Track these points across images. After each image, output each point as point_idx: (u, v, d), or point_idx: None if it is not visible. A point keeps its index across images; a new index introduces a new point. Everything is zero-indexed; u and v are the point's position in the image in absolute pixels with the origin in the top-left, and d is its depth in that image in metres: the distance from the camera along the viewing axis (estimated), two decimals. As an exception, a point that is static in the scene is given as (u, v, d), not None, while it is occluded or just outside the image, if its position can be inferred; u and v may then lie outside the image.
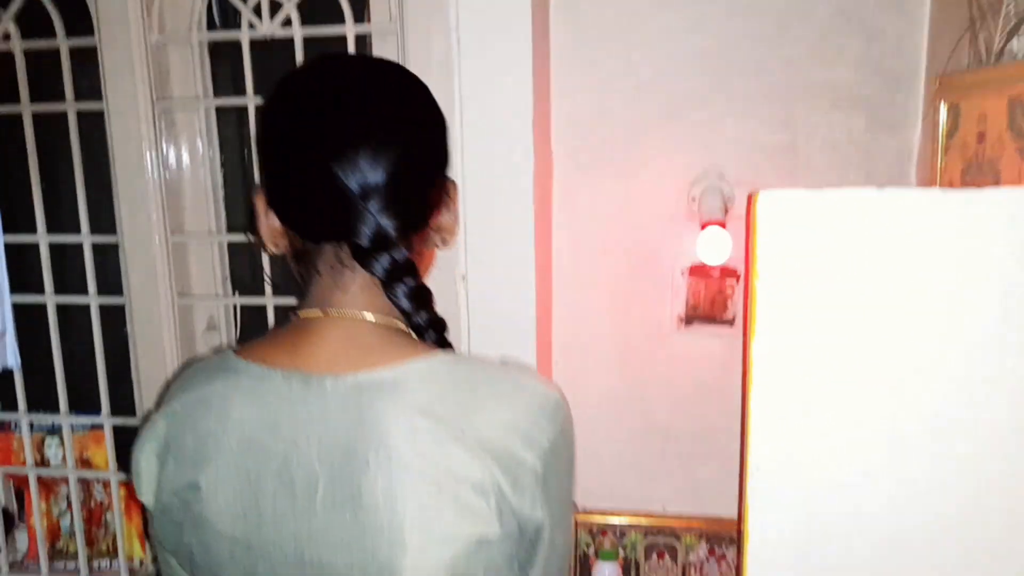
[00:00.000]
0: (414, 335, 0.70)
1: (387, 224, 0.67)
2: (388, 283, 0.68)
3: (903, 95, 1.20)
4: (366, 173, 0.66)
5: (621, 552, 1.38)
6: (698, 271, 1.29)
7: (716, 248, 1.19)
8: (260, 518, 0.64)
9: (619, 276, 1.31)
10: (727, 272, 1.28)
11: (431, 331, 0.70)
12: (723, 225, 1.20)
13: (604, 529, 1.37)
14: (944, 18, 1.11)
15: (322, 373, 0.65)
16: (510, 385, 0.65)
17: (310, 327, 0.68)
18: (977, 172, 0.96)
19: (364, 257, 0.68)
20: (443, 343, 0.71)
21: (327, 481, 0.63)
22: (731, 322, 1.29)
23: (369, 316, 0.68)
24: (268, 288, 1.27)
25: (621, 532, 1.38)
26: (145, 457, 0.70)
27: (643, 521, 1.37)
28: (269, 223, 0.71)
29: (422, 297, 0.69)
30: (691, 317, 1.30)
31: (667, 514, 1.36)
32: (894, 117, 1.20)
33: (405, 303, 0.69)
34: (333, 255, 0.69)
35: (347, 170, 0.66)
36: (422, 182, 0.70)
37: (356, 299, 0.68)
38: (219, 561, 0.67)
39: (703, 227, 1.23)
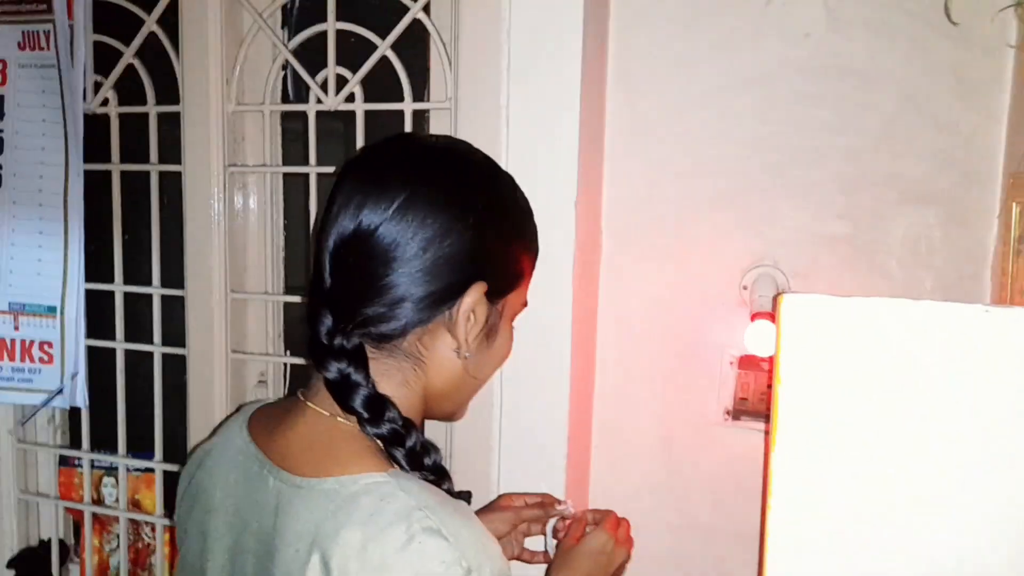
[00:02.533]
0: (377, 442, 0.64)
1: (339, 310, 0.62)
2: (330, 382, 0.63)
3: (977, 192, 1.12)
4: (345, 238, 0.62)
5: (653, 656, 1.29)
6: (748, 362, 1.23)
7: (765, 340, 1.14)
8: None
9: (665, 364, 1.27)
10: (779, 366, 1.22)
11: (389, 446, 0.64)
12: (772, 317, 1.14)
13: (636, 628, 1.30)
14: (1020, 113, 1.04)
15: (274, 464, 0.64)
16: (405, 537, 0.56)
17: (289, 410, 0.67)
18: (1046, 281, 0.88)
19: (315, 343, 0.64)
20: (415, 461, 0.64)
21: (250, 574, 0.63)
22: (782, 419, 1.22)
23: (334, 416, 0.64)
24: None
25: (655, 634, 1.29)
26: (180, 483, 0.75)
27: (678, 625, 1.28)
28: None
29: (373, 407, 0.63)
30: (739, 411, 1.24)
31: (704, 620, 1.28)
32: (967, 215, 1.13)
33: (352, 410, 0.63)
34: None
35: (336, 225, 0.63)
36: (424, 272, 0.63)
37: (325, 391, 0.65)
38: None
39: (753, 318, 1.18)
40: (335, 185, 0.66)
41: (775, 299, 0.73)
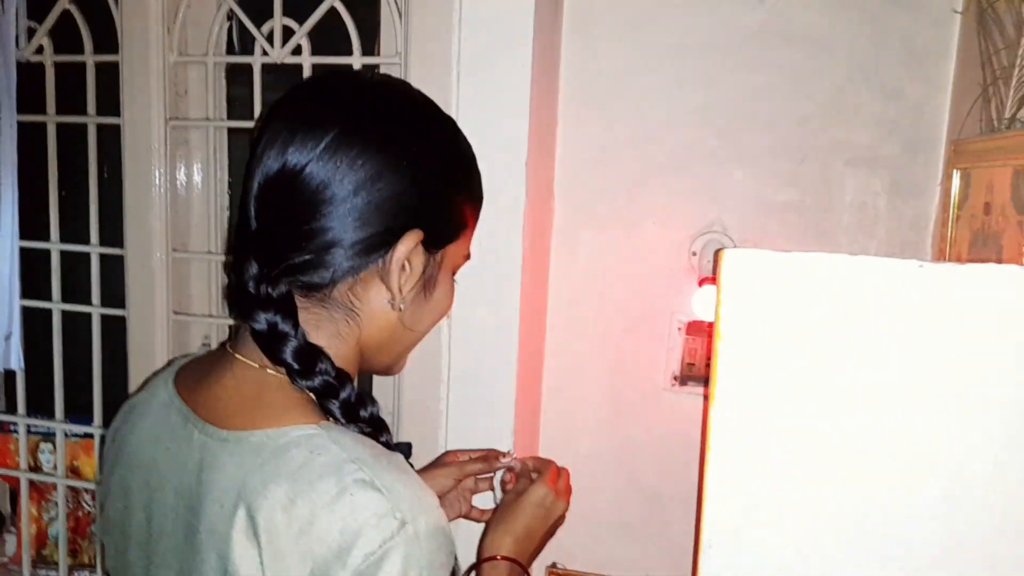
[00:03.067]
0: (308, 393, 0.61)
1: (265, 256, 0.58)
2: (258, 333, 0.59)
3: (922, 159, 1.14)
4: (273, 178, 0.58)
5: (598, 617, 1.31)
6: (695, 328, 1.24)
7: (711, 305, 1.14)
8: (127, 541, 0.65)
9: (614, 329, 1.27)
10: (726, 331, 1.22)
11: (321, 400, 0.61)
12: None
13: (582, 591, 1.31)
14: (964, 82, 1.05)
15: (199, 418, 0.61)
16: (336, 490, 0.54)
17: (216, 362, 0.65)
18: (983, 246, 0.90)
19: (240, 292, 0.60)
20: (351, 413, 0.62)
21: (171, 531, 0.61)
22: (728, 384, 1.23)
23: (263, 367, 0.61)
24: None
25: (600, 596, 1.31)
26: (105, 443, 0.72)
27: (624, 586, 1.30)
28: None
29: (304, 358, 0.59)
30: (686, 376, 1.25)
31: (649, 582, 1.29)
32: (911, 182, 1.15)
33: (282, 361, 0.59)
34: None
35: (261, 166, 0.59)
36: (355, 216, 0.59)
37: (253, 342, 0.61)
38: (113, 565, 0.68)
39: (701, 283, 1.19)
40: (263, 123, 0.61)
41: (716, 255, 0.72)
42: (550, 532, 0.89)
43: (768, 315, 0.73)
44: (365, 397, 0.63)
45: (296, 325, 0.60)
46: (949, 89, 1.11)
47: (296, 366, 0.59)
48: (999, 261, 0.85)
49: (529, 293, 1.15)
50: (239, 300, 0.60)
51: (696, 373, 1.24)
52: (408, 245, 0.61)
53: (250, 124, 1.23)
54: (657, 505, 1.28)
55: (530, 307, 1.17)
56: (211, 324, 1.33)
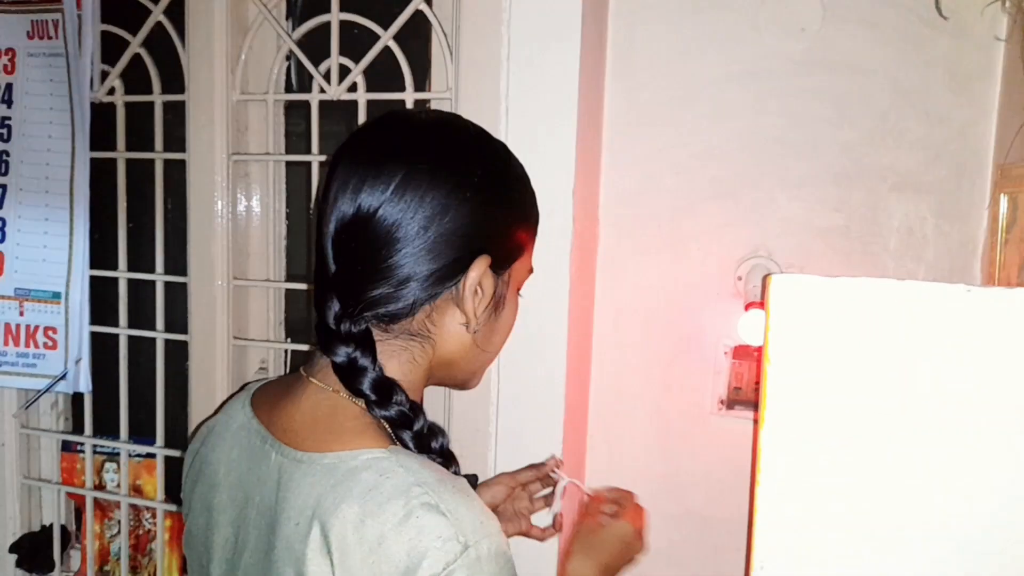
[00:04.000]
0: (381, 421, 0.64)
1: (345, 294, 0.63)
2: (338, 366, 0.63)
3: (968, 184, 1.14)
4: (347, 222, 0.62)
5: (646, 642, 1.31)
6: (742, 352, 1.24)
7: (758, 329, 1.16)
8: (210, 554, 0.68)
9: (661, 354, 1.29)
10: (773, 356, 1.23)
11: (396, 429, 0.64)
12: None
13: (630, 615, 1.31)
14: (1010, 106, 1.06)
15: (276, 438, 0.65)
16: (403, 513, 0.56)
17: (292, 386, 0.68)
18: (1033, 269, 0.90)
19: (322, 327, 0.64)
20: (422, 444, 0.65)
21: (252, 547, 0.64)
22: (775, 408, 1.24)
23: (339, 393, 0.64)
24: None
25: (648, 620, 1.31)
26: (185, 463, 0.76)
27: (672, 611, 1.30)
28: None
29: (381, 390, 0.63)
30: (733, 400, 1.25)
31: (698, 607, 1.29)
32: (958, 206, 1.15)
33: (360, 393, 0.63)
34: None
35: (335, 210, 0.63)
36: (427, 250, 0.63)
37: (330, 369, 0.65)
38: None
39: (747, 307, 1.20)
40: (330, 168, 0.65)
41: (764, 281, 0.74)
42: (624, 568, 0.89)
43: (816, 340, 0.74)
44: (436, 429, 0.66)
45: (375, 359, 0.64)
46: (995, 114, 1.12)
47: (374, 397, 0.63)
48: (1050, 285, 0.85)
49: (576, 318, 1.18)
50: (320, 336, 0.64)
51: (743, 397, 1.25)
52: (479, 270, 0.65)
53: (307, 158, 1.28)
54: (706, 530, 1.28)
55: (577, 332, 1.20)
56: (268, 348, 1.38)
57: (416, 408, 0.65)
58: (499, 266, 0.68)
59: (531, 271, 0.75)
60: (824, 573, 0.74)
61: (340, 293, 0.63)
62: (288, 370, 1.42)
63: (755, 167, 1.22)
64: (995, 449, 0.68)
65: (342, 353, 0.63)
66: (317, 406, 0.65)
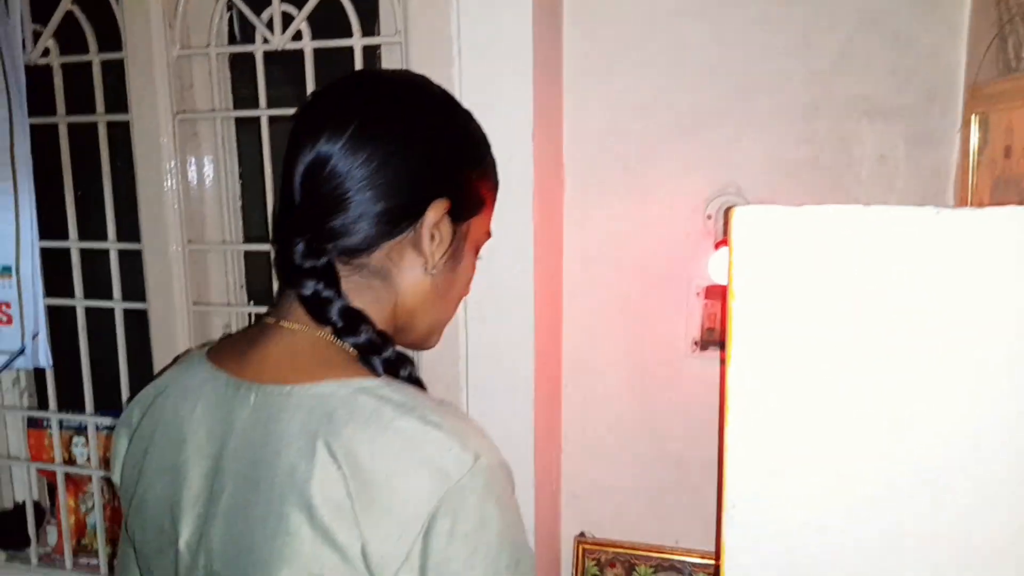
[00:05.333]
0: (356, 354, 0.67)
1: (308, 229, 0.65)
2: (305, 298, 0.66)
3: (939, 108, 1.11)
4: (310, 165, 0.65)
5: (629, 585, 1.31)
6: (714, 292, 1.22)
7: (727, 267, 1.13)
8: (179, 515, 0.65)
9: (632, 296, 1.26)
10: (745, 294, 1.21)
11: (367, 355, 0.66)
12: (738, 244, 1.13)
13: (612, 561, 1.31)
14: (980, 25, 1.02)
15: (252, 382, 0.65)
16: (411, 431, 0.59)
17: (261, 334, 0.69)
18: (1004, 190, 0.87)
19: (288, 265, 0.67)
20: (392, 370, 0.67)
21: (231, 491, 0.63)
22: (749, 347, 1.22)
23: (310, 330, 0.66)
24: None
25: (631, 564, 1.31)
26: (119, 437, 0.75)
27: (654, 554, 1.30)
28: None
29: (348, 317, 0.66)
30: (706, 341, 1.24)
31: (679, 548, 1.29)
32: (929, 131, 1.11)
33: (328, 321, 0.66)
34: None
35: (299, 158, 0.66)
36: (377, 192, 0.66)
37: (299, 309, 0.67)
38: (150, 551, 0.70)
39: (717, 246, 1.17)
40: (297, 119, 0.69)
41: (726, 213, 0.71)
42: None
43: (782, 272, 0.72)
44: (404, 357, 0.69)
45: (339, 290, 0.66)
46: (964, 34, 1.08)
47: (341, 323, 0.65)
48: (1021, 203, 0.82)
49: (543, 266, 1.15)
50: (286, 272, 0.67)
51: (716, 338, 1.23)
52: (437, 212, 0.68)
53: (255, 113, 1.23)
54: (683, 471, 1.28)
55: (545, 280, 1.17)
56: (231, 312, 1.35)
57: (385, 336, 0.67)
58: (457, 216, 0.71)
59: (489, 235, 0.78)
60: (796, 508, 0.73)
61: (303, 231, 0.66)
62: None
63: (721, 102, 1.18)
64: (967, 373, 0.67)
65: (308, 286, 0.65)
66: (294, 344, 0.66)
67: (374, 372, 0.65)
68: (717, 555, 0.78)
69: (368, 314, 0.67)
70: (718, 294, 1.22)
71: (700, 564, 1.28)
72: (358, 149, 0.65)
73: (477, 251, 0.77)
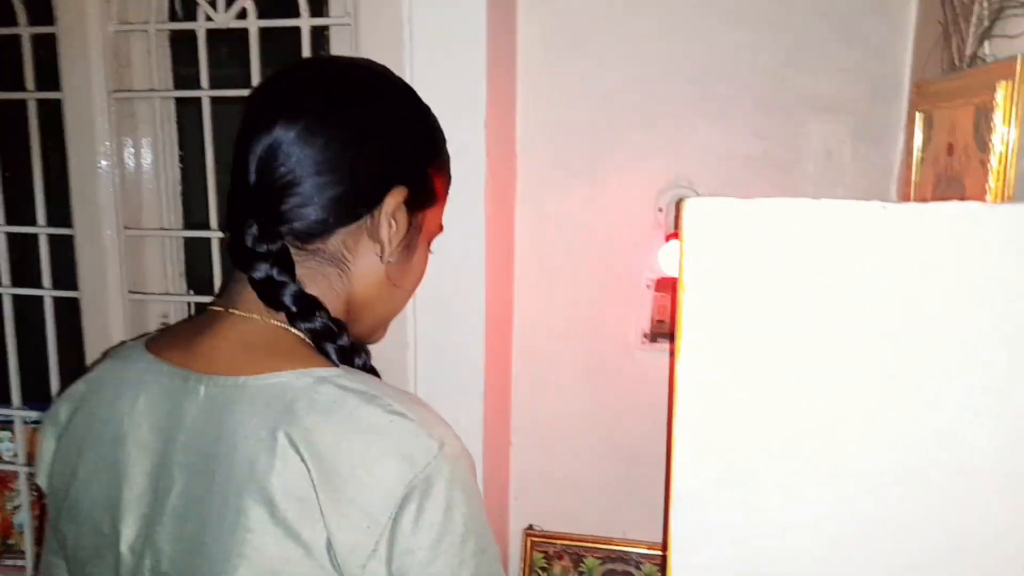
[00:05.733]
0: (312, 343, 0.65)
1: (261, 212, 0.63)
2: (257, 282, 0.63)
3: (885, 105, 1.13)
4: (265, 146, 0.63)
5: (577, 578, 1.31)
6: (664, 284, 1.22)
7: (677, 259, 1.13)
8: (119, 516, 0.62)
9: (584, 288, 1.25)
10: (695, 287, 1.21)
11: (322, 341, 0.64)
12: (689, 237, 1.13)
13: (560, 553, 1.31)
14: (927, 22, 1.04)
15: (201, 373, 0.62)
16: (375, 420, 0.58)
17: (209, 323, 0.66)
18: (946, 187, 0.89)
19: (239, 248, 0.64)
20: (346, 359, 0.65)
21: (181, 488, 0.60)
22: (698, 340, 1.22)
23: (263, 318, 0.64)
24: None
25: (579, 556, 1.31)
26: (45, 437, 0.70)
27: (602, 546, 1.30)
28: None
29: (302, 303, 0.64)
30: (656, 333, 1.24)
31: (627, 540, 1.30)
32: (876, 128, 1.13)
33: (281, 306, 0.63)
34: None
35: (255, 139, 0.64)
36: (334, 177, 0.64)
37: (251, 296, 0.65)
38: (86, 556, 0.65)
39: (668, 239, 1.17)
40: (254, 100, 0.68)
41: (677, 205, 0.71)
42: None
43: (732, 264, 0.71)
44: (359, 346, 0.67)
45: (293, 275, 0.64)
46: (911, 32, 1.10)
47: (295, 309, 0.63)
48: (961, 199, 0.84)
49: (494, 257, 1.13)
50: (237, 255, 0.64)
51: (666, 330, 1.23)
52: (396, 200, 0.66)
53: (196, 93, 1.18)
54: (632, 463, 1.28)
55: (496, 270, 1.15)
56: (169, 302, 1.30)
57: (340, 324, 0.66)
58: (413, 206, 0.69)
59: (441, 228, 0.77)
60: (746, 506, 0.73)
61: (257, 214, 0.64)
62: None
63: (673, 95, 1.18)
64: (914, 366, 0.67)
65: (261, 270, 0.63)
66: (246, 334, 0.64)
67: (331, 361, 0.63)
68: (664, 547, 0.78)
69: (322, 303, 0.65)
70: (668, 287, 1.22)
71: (647, 555, 1.28)
72: (318, 132, 0.64)
73: (429, 244, 0.76)
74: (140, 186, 1.28)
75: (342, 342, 0.64)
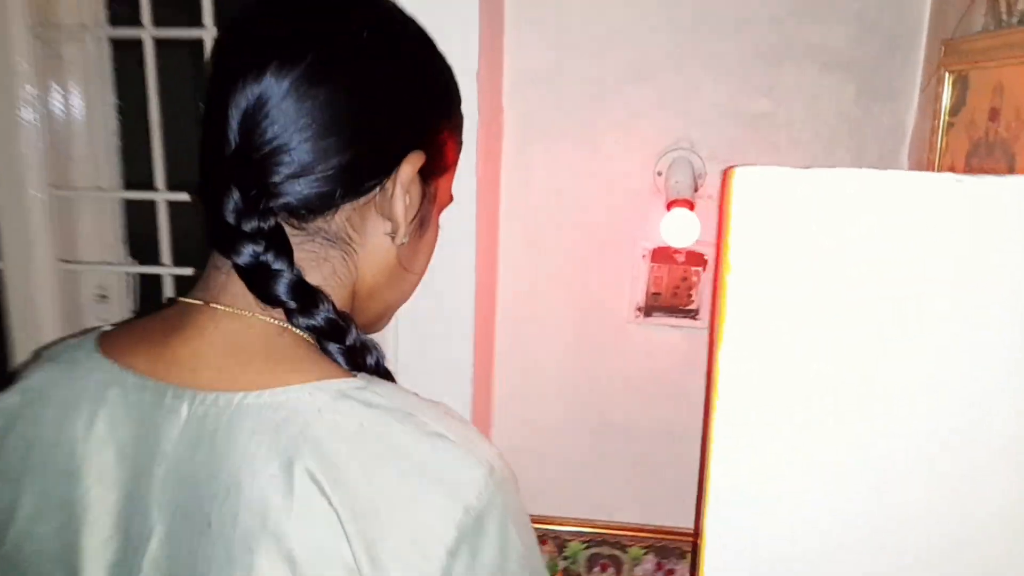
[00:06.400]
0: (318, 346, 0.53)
1: (249, 181, 0.50)
2: (246, 269, 0.51)
3: (899, 61, 1.05)
4: (252, 99, 0.50)
5: (562, 563, 1.24)
6: (661, 255, 1.14)
7: (682, 230, 1.04)
8: (84, 568, 0.49)
9: (574, 258, 1.16)
10: (693, 257, 1.14)
11: (326, 341, 0.52)
12: (691, 205, 1.05)
13: (544, 537, 1.24)
14: (953, -25, 0.96)
15: (182, 386, 0.49)
16: (415, 447, 0.47)
17: (186, 320, 0.52)
18: (987, 155, 0.82)
19: (219, 226, 0.51)
20: (355, 361, 0.53)
21: (163, 537, 0.47)
22: (695, 314, 1.15)
23: (254, 314, 0.51)
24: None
25: (563, 541, 1.24)
26: None
27: (587, 529, 1.23)
28: None
29: (302, 294, 0.51)
30: (651, 307, 1.16)
31: (613, 523, 1.23)
32: (889, 86, 1.06)
33: (275, 299, 0.51)
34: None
35: (237, 92, 0.50)
36: (340, 139, 0.51)
37: (237, 286, 0.52)
38: None
39: (669, 206, 1.08)
40: (231, 41, 0.54)
41: (725, 173, 0.62)
42: None
43: (785, 241, 0.63)
44: (370, 343, 0.55)
45: (291, 260, 0.51)
46: (931, -17, 1.02)
47: (294, 304, 0.51)
48: (1011, 171, 0.78)
49: (481, 224, 1.02)
50: (218, 236, 0.51)
51: (662, 303, 1.15)
52: (412, 167, 0.55)
53: (138, 32, 1.02)
54: (625, 442, 1.21)
55: (483, 239, 1.05)
56: (109, 272, 1.15)
57: (347, 318, 0.54)
58: (427, 174, 0.58)
59: (452, 199, 0.66)
60: (789, 500, 0.67)
61: (242, 182, 0.51)
62: (138, 299, 1.19)
63: (675, 46, 1.08)
64: (984, 352, 0.61)
65: (247, 253, 0.50)
66: (235, 335, 0.51)
67: (343, 366, 0.52)
68: (696, 535, 0.71)
69: (326, 292, 0.53)
70: (666, 257, 1.14)
71: (633, 538, 1.22)
72: (319, 83, 0.51)
73: (439, 216, 0.64)
74: (70, 139, 1.11)
75: (351, 340, 0.53)
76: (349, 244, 0.55)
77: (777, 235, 0.63)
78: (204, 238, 0.56)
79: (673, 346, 1.17)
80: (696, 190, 1.10)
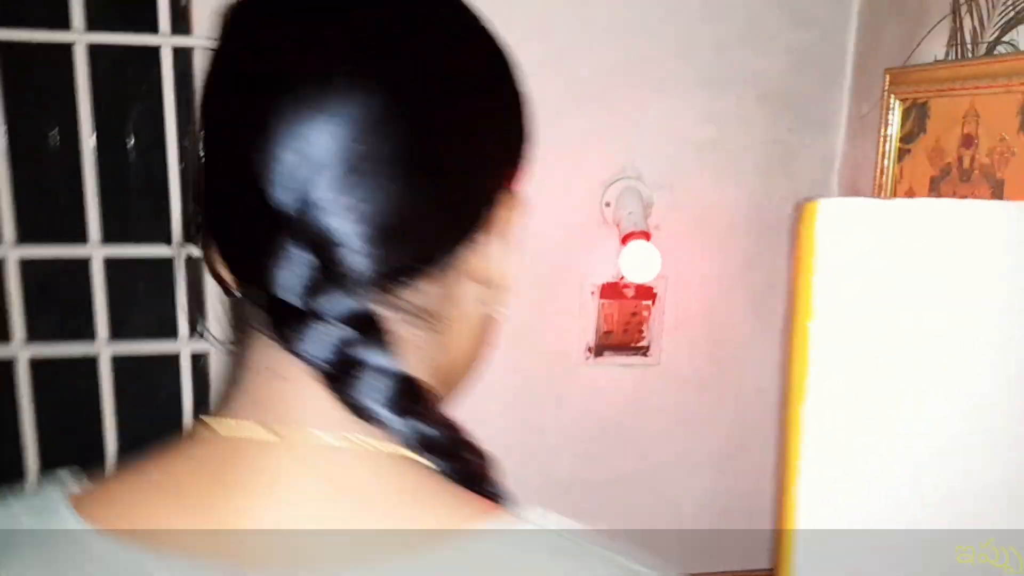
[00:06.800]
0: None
1: (332, 247, 0.34)
2: (331, 373, 0.34)
3: (831, 91, 1.07)
4: (324, 127, 0.34)
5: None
6: (610, 290, 1.07)
7: (642, 264, 0.98)
8: None
9: (519, 297, 1.05)
10: (642, 291, 1.08)
11: (444, 461, 0.37)
12: (647, 236, 0.99)
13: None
14: (882, 7, 0.99)
15: (249, 568, 0.32)
16: None
17: (239, 459, 0.35)
18: (962, 181, 0.84)
19: (282, 318, 0.35)
20: (480, 486, 0.39)
21: None
22: (645, 350, 1.09)
23: (355, 440, 0.35)
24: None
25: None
26: None
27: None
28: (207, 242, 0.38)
29: (405, 394, 0.36)
30: (602, 346, 1.08)
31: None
32: (821, 116, 1.08)
33: (371, 407, 0.35)
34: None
35: (277, 123, 0.34)
36: (441, 186, 0.37)
37: (315, 403, 0.35)
38: None
39: (624, 239, 1.01)
40: (260, 41, 0.35)
41: (802, 206, 0.56)
42: None
43: (869, 272, 0.58)
44: (484, 454, 0.41)
45: (390, 350, 0.36)
46: (854, 18, 1.05)
47: (407, 415, 0.36)
48: (996, 196, 0.80)
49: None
50: (281, 319, 0.34)
51: (614, 341, 1.08)
52: (510, 211, 0.41)
53: (69, 36, 0.78)
54: (575, 494, 1.12)
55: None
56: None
57: (458, 429, 0.39)
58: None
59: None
60: (870, 536, 0.62)
61: (314, 243, 0.34)
62: (34, 387, 0.90)
63: (619, 69, 1.03)
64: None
65: (331, 343, 0.34)
66: (338, 471, 0.35)
67: (485, 493, 0.37)
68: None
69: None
70: (616, 293, 1.07)
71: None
72: (407, 113, 0.36)
73: None
74: None
75: (468, 457, 0.39)
76: (437, 315, 0.40)
77: (861, 265, 0.58)
78: (234, 322, 0.39)
79: (622, 387, 1.10)
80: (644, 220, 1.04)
